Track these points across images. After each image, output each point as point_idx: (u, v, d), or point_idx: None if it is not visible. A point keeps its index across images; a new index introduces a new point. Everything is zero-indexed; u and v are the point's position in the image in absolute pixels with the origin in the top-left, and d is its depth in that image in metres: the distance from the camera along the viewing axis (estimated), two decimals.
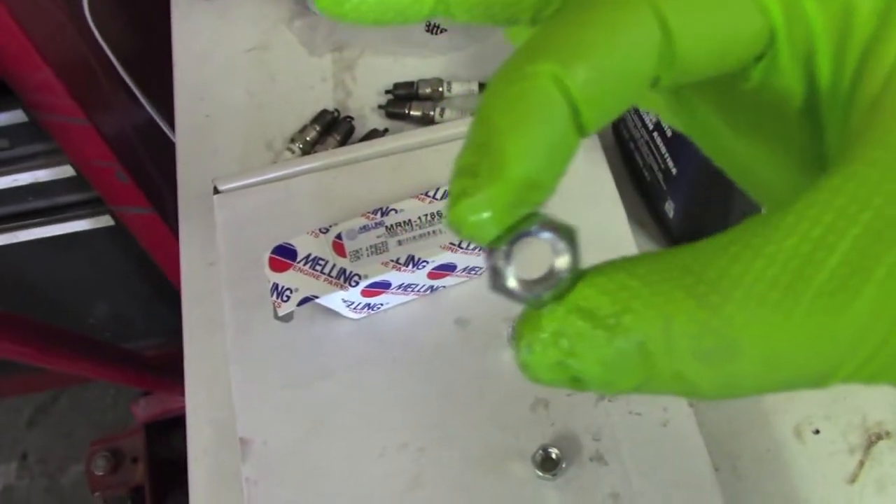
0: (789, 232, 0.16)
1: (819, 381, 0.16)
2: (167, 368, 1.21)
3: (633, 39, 0.17)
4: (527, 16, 0.21)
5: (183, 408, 0.60)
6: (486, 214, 0.17)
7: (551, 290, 0.17)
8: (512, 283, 0.18)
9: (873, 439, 0.56)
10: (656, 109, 0.24)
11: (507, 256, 0.18)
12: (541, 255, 0.18)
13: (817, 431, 0.56)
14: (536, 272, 0.18)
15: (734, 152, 0.23)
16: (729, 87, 0.21)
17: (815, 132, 0.20)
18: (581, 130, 0.18)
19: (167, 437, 1.33)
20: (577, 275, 0.17)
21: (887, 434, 0.56)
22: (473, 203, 0.17)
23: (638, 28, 0.17)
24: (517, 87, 0.17)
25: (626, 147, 0.65)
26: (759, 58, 0.19)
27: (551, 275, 0.17)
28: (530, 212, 0.18)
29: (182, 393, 0.60)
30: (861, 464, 0.55)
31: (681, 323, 0.16)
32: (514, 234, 0.18)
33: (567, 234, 0.18)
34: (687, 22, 0.18)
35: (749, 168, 0.23)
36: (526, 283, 0.17)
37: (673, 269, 0.17)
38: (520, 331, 0.18)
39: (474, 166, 0.17)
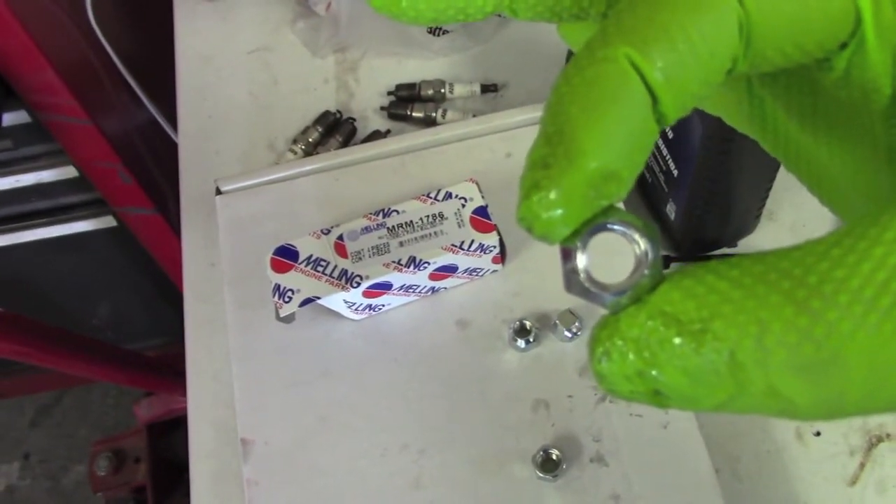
0: None
1: None
2: (169, 369, 1.21)
3: (711, 18, 0.16)
4: (599, 9, 0.20)
5: (185, 408, 0.60)
6: (559, 211, 0.16)
7: (631, 291, 0.16)
8: (588, 283, 0.16)
9: (874, 441, 0.56)
10: (726, 113, 0.23)
11: (583, 255, 0.16)
12: (619, 254, 0.17)
13: (818, 433, 0.56)
14: (614, 272, 0.17)
15: (810, 155, 0.21)
16: (808, 83, 0.19)
17: None
18: (661, 120, 0.17)
19: (169, 437, 1.33)
20: (659, 275, 0.16)
21: (888, 436, 0.56)
22: (546, 196, 0.16)
23: (716, 6, 0.16)
24: (590, 72, 0.16)
25: None
26: (842, 46, 0.18)
27: (630, 275, 0.16)
28: (606, 206, 0.16)
29: (184, 393, 0.60)
30: (862, 466, 0.55)
31: (777, 331, 0.14)
32: (589, 228, 0.16)
33: (646, 231, 0.16)
34: (766, 1, 0.16)
35: (826, 172, 0.21)
36: (603, 284, 0.16)
37: (769, 272, 0.15)
38: (597, 336, 0.16)
39: (546, 157, 0.16)
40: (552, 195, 0.16)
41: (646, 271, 0.16)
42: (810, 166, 0.22)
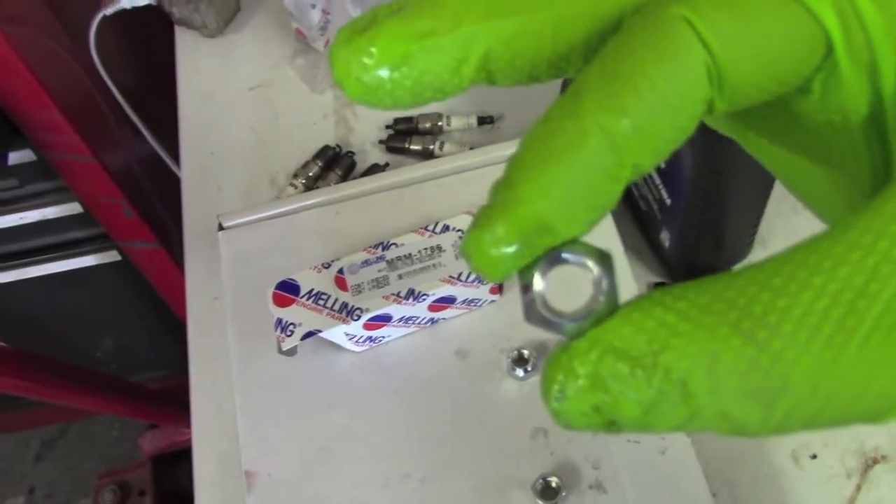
0: (840, 261, 0.15)
1: (874, 417, 0.16)
2: (173, 401, 1.22)
3: (676, 64, 0.16)
4: (577, 66, 0.20)
5: (189, 440, 0.61)
6: (493, 251, 0.16)
7: (590, 316, 0.16)
8: (546, 312, 0.17)
9: (870, 463, 0.56)
10: (710, 121, 0.23)
11: (541, 285, 0.17)
12: (576, 283, 0.17)
13: (815, 456, 0.57)
14: (572, 300, 0.17)
15: (791, 170, 0.22)
16: (782, 110, 0.19)
17: (882, 147, 0.19)
18: (636, 170, 0.17)
19: (174, 469, 1.33)
20: (614, 300, 0.17)
21: (884, 458, 0.56)
22: (480, 236, 0.16)
23: (680, 53, 0.16)
24: (553, 125, 0.17)
25: None
26: (817, 69, 0.18)
27: (588, 302, 0.17)
28: (542, 253, 0.17)
29: (188, 425, 0.61)
30: (858, 488, 0.55)
31: (727, 361, 0.15)
32: (544, 259, 0.17)
33: (599, 258, 0.17)
34: (731, 41, 0.16)
35: (809, 185, 0.22)
36: (561, 312, 0.17)
37: (715, 302, 0.16)
38: (551, 375, 0.16)
39: (490, 199, 0.17)
40: (485, 237, 0.16)
41: (601, 298, 0.17)
42: (795, 180, 0.22)
